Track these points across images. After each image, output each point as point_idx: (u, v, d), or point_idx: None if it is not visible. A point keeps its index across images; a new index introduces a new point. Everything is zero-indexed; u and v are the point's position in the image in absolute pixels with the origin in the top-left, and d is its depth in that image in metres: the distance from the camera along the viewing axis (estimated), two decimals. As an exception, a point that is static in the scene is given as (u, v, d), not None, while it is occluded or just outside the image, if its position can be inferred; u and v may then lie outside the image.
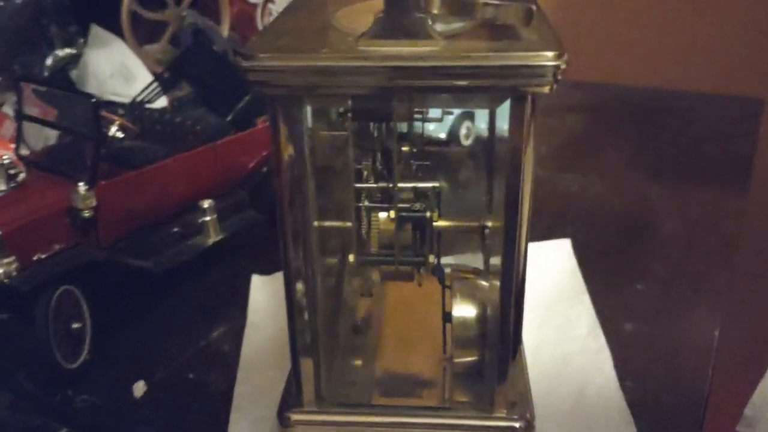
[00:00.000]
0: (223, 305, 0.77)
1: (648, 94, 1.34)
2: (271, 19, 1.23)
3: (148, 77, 1.05)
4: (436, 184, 0.56)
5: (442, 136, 1.07)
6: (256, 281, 0.80)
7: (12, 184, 0.75)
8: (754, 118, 1.22)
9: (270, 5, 1.27)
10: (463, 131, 1.09)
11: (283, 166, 0.49)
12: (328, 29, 0.50)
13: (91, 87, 1.10)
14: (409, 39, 0.46)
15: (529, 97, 0.46)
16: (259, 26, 1.30)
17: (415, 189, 0.56)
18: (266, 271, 0.81)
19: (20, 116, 0.77)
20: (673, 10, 1.42)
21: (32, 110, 0.80)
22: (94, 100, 0.70)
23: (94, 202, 0.70)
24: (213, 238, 0.81)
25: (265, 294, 0.78)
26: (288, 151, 0.48)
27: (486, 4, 0.46)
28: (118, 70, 1.13)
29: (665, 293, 0.79)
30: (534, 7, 0.45)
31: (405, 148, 0.58)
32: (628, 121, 1.26)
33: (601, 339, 0.70)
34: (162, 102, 0.99)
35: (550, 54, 0.44)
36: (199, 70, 0.97)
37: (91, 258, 0.70)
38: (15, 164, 0.76)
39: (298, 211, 0.50)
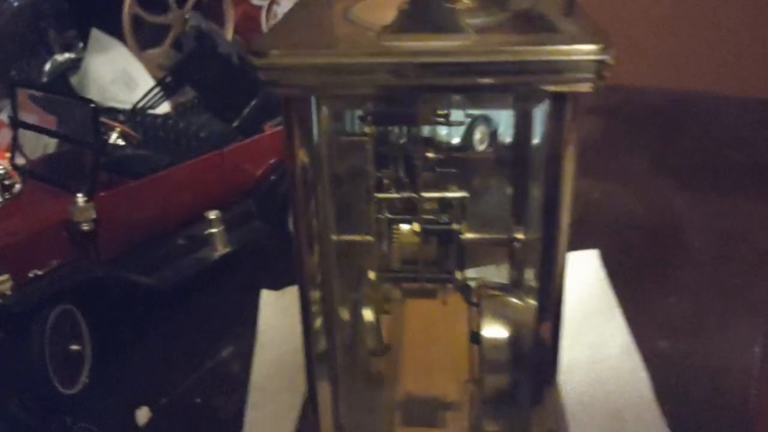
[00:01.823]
0: (231, 323, 0.74)
1: (667, 97, 1.31)
2: (276, 21, 1.20)
3: (150, 83, 1.03)
4: (465, 194, 0.52)
5: (455, 141, 1.03)
6: (266, 296, 0.77)
7: (6, 196, 0.73)
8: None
9: (275, 7, 1.24)
10: (477, 136, 1.04)
11: (298, 174, 0.45)
12: (346, 24, 0.46)
13: (92, 93, 1.09)
14: (436, 32, 0.42)
15: (571, 97, 0.41)
16: (264, 28, 1.28)
17: (441, 199, 0.52)
18: (276, 285, 0.78)
19: (15, 123, 0.74)
20: (691, 11, 1.39)
21: (30, 117, 0.77)
22: (93, 105, 0.66)
23: (93, 215, 0.68)
24: (220, 251, 0.79)
25: (275, 310, 0.75)
26: (303, 157, 0.44)
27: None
28: (119, 76, 1.11)
29: (699, 307, 0.75)
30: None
31: (429, 155, 0.54)
32: (648, 125, 1.23)
33: (636, 358, 0.66)
34: (164, 108, 0.96)
35: (593, 47, 0.40)
36: (204, 74, 0.94)
37: (91, 274, 0.67)
38: (10, 174, 0.74)
39: (315, 222, 0.46)
